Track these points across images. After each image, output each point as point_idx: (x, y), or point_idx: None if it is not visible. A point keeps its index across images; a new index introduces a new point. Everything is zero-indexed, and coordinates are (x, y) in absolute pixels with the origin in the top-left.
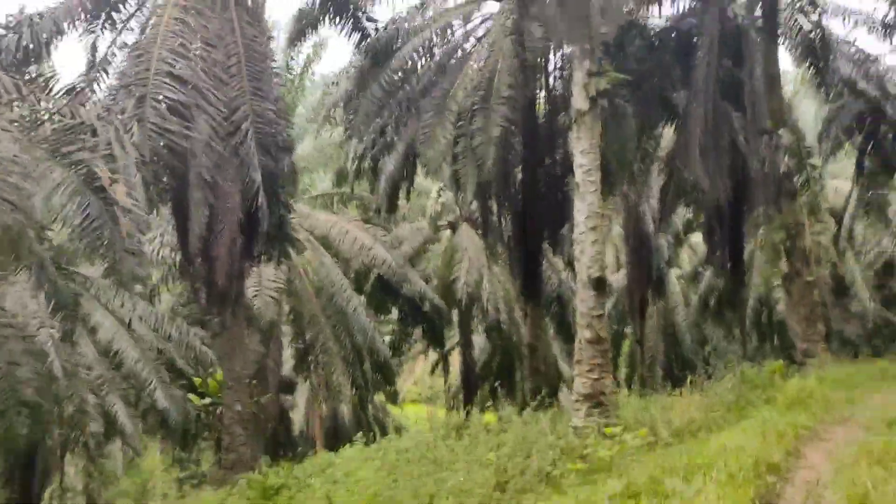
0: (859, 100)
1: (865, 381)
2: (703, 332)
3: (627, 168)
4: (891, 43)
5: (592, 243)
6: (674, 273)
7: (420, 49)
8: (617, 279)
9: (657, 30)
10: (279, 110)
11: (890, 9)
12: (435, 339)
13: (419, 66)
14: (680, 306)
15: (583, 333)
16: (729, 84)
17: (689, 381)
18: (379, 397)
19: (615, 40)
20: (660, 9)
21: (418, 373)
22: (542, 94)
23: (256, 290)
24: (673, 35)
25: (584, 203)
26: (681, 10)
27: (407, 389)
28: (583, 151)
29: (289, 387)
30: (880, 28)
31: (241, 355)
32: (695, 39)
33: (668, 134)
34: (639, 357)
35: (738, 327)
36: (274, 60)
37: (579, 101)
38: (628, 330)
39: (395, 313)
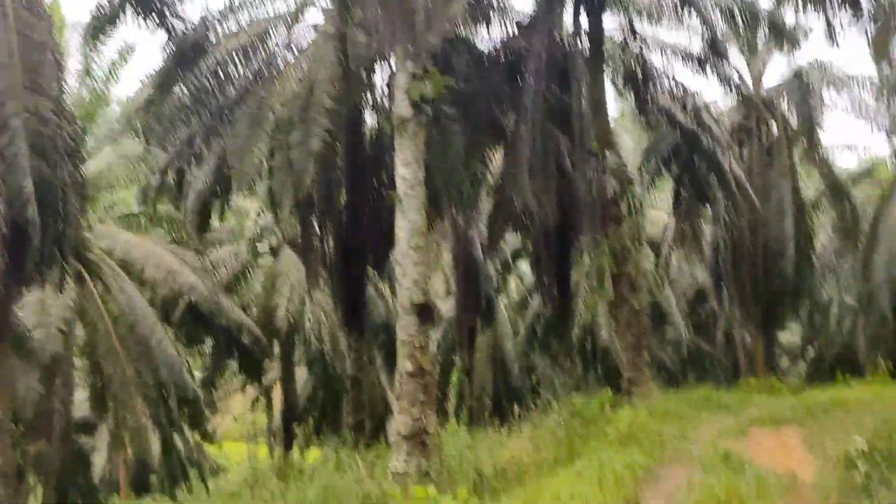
0: (676, 130)
1: (692, 411)
2: (530, 361)
3: (455, 190)
4: (704, 74)
5: (415, 265)
6: (503, 301)
7: (235, 54)
8: (447, 308)
9: (487, 51)
10: (62, 110)
11: (703, 44)
12: (252, 372)
13: (234, 73)
14: (508, 335)
15: (403, 365)
16: (557, 108)
17: (517, 415)
18: (196, 436)
19: (443, 57)
20: (488, 29)
21: (239, 409)
22: (370, 107)
23: (39, 320)
24: (502, 56)
25: (407, 220)
26: (510, 33)
27: (227, 427)
28: (405, 163)
29: (87, 428)
30: (695, 62)
31: (3, 397)
32: (523, 63)
33: (497, 158)
34: (468, 388)
35: (564, 356)
36: (60, 53)
37: (402, 108)
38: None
39: (210, 345)
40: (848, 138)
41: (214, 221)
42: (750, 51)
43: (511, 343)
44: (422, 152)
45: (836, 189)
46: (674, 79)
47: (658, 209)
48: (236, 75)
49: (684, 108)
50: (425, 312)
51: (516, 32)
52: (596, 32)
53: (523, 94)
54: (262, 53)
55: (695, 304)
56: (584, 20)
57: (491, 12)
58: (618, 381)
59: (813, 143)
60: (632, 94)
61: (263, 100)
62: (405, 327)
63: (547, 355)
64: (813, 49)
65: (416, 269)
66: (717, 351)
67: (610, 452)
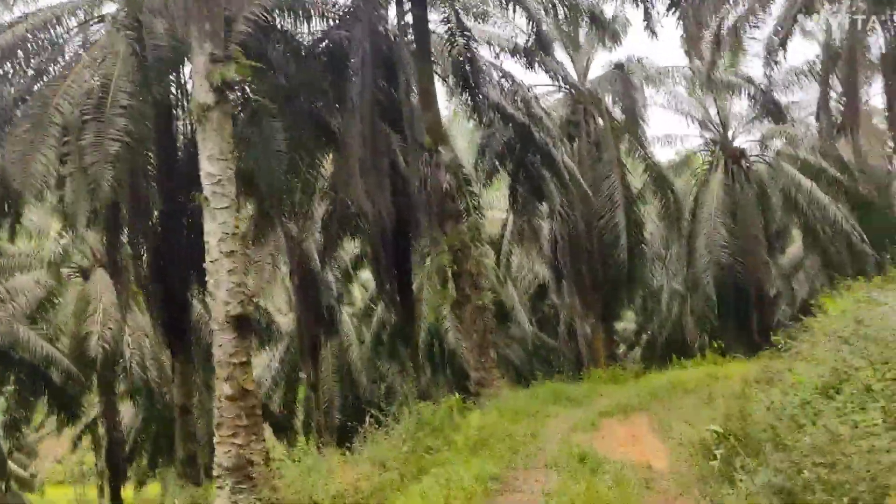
0: (509, 126)
1: (542, 407)
2: (379, 370)
3: (284, 194)
4: (533, 69)
5: (230, 273)
6: (346, 311)
7: (13, 48)
8: (289, 322)
9: (308, 44)
10: None
11: (530, 37)
12: (67, 409)
13: (10, 69)
14: (354, 345)
15: (222, 388)
16: (387, 104)
17: (365, 429)
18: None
19: (257, 49)
20: (308, 22)
21: (63, 450)
22: (182, 106)
23: None
24: (324, 49)
25: (216, 222)
26: (331, 25)
27: (51, 469)
28: (211, 157)
29: None
30: (522, 55)
31: None
32: (348, 57)
33: (329, 160)
34: (314, 403)
35: (412, 361)
36: None
37: (202, 94)
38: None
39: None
40: (667, 130)
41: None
42: (573, 46)
43: (357, 353)
44: (229, 145)
45: (660, 180)
46: (504, 73)
47: (496, 209)
48: (13, 72)
49: (515, 102)
50: (244, 326)
51: (336, 22)
52: (421, 24)
53: (349, 89)
54: (47, 47)
55: (537, 299)
56: (409, 12)
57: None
58: (467, 383)
59: (636, 136)
60: (462, 91)
61: (48, 99)
62: (222, 346)
63: (395, 362)
64: (640, 44)
65: (231, 278)
66: (560, 344)
67: (459, 464)
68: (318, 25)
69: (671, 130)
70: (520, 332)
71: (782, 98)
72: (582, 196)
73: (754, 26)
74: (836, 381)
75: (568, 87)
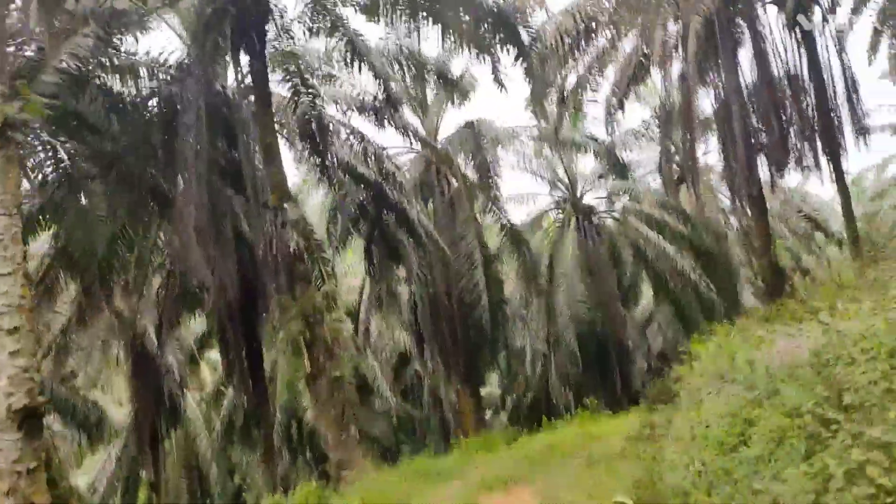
0: (361, 186)
1: (412, 487)
2: (230, 460)
3: (101, 269)
4: (383, 126)
5: (13, 355)
6: (193, 396)
7: None
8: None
9: (134, 100)
10: None
11: (377, 92)
12: None
13: None
14: (203, 434)
15: None
16: (226, 165)
17: None
18: None
19: (72, 109)
20: (136, 83)
21: None
22: None
23: None
24: (155, 108)
25: None
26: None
27: None
28: None
29: None
30: (371, 112)
31: None
32: (182, 115)
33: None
34: None
35: (265, 447)
36: None
37: None
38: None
39: None
40: (518, 189)
41: None
42: (422, 107)
43: (207, 443)
44: (15, 198)
45: (516, 239)
46: (353, 131)
47: (352, 276)
48: None
49: (367, 161)
50: (34, 423)
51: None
52: (260, 77)
53: (183, 149)
54: None
55: (399, 368)
56: (248, 67)
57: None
58: (327, 466)
59: (489, 195)
60: (311, 153)
61: None
62: (3, 449)
63: (250, 450)
64: (489, 104)
65: (15, 361)
66: (427, 413)
67: None
68: (147, 84)
69: (522, 190)
70: (383, 404)
71: (623, 157)
72: (440, 257)
73: (594, 90)
74: (737, 429)
75: (420, 143)
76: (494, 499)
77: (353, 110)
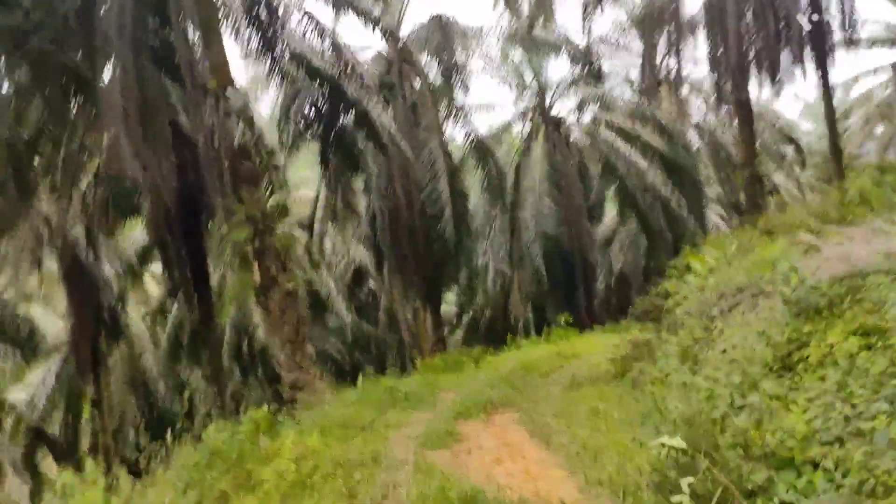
0: (316, 82)
1: (377, 415)
2: (179, 377)
3: (18, 166)
4: (340, 12)
5: None
6: (139, 311)
7: None
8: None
9: None
10: None
11: None
12: None
13: None
14: (148, 351)
15: None
16: (159, 48)
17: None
18: None
19: None
20: None
21: None
22: None
23: None
24: None
25: None
26: None
27: None
28: None
29: None
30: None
31: None
32: None
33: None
34: (99, 423)
35: (211, 365)
36: None
37: None
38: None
39: None
40: (484, 98)
41: None
42: None
43: (153, 359)
44: None
45: (481, 149)
46: (308, 15)
47: (305, 187)
48: None
49: (322, 54)
50: None
51: None
52: None
53: (105, 27)
54: None
55: (354, 285)
56: None
57: None
58: (280, 386)
59: (452, 99)
60: (257, 39)
61: None
62: None
63: (198, 366)
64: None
65: None
66: (383, 332)
67: None
68: None
69: (488, 97)
70: (337, 322)
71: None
72: (402, 166)
73: None
74: (783, 349)
75: (382, 36)
76: (475, 426)
77: None
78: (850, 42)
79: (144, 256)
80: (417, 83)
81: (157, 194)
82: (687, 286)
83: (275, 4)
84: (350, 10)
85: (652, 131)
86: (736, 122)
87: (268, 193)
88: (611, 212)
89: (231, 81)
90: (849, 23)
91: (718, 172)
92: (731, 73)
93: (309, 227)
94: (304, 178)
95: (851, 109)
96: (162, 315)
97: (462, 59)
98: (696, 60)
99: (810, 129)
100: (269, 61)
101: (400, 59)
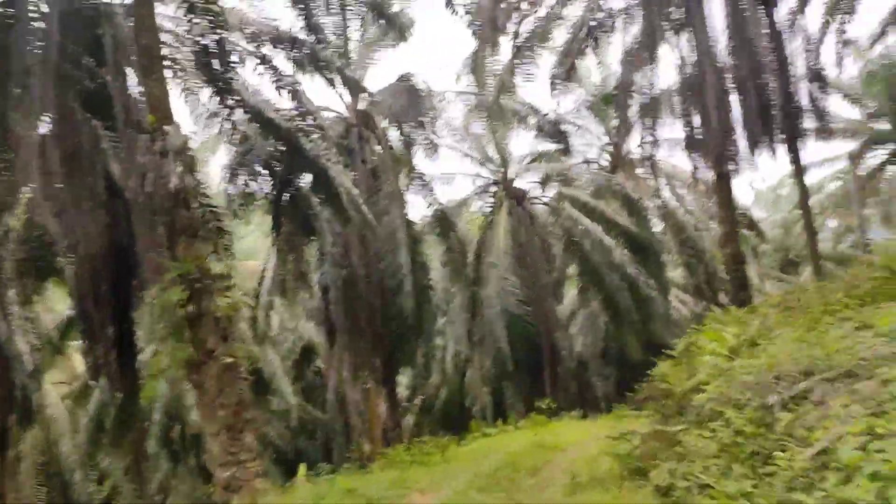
0: (270, 136)
1: None
2: (99, 466)
3: None
4: (303, 69)
5: None
6: (55, 390)
7: None
8: None
9: None
10: None
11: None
12: None
13: None
14: (66, 435)
15: None
16: (89, 84)
17: None
18: None
19: None
20: None
21: None
22: None
23: None
24: None
25: None
26: None
27: None
28: None
29: None
30: (290, 46)
31: None
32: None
33: None
34: None
35: (133, 453)
36: None
37: None
38: None
39: None
40: (445, 168)
41: None
42: (345, 55)
43: (70, 444)
44: None
45: (443, 219)
46: (265, 60)
47: (253, 259)
48: None
49: (277, 110)
50: None
51: None
52: None
53: (21, 59)
54: None
55: (302, 364)
56: None
57: None
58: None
59: (411, 166)
60: (207, 83)
61: None
62: None
63: (120, 454)
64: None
65: None
66: (329, 416)
67: None
68: None
69: (450, 169)
70: (282, 404)
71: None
72: (360, 234)
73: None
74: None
75: (347, 90)
76: None
77: (263, 41)
78: (822, 131)
79: (68, 328)
80: (379, 148)
81: (82, 256)
82: (705, 370)
83: (226, 46)
84: (310, 65)
85: (620, 207)
86: (715, 199)
87: (211, 250)
88: (570, 292)
89: (170, 118)
90: (819, 113)
91: (681, 255)
92: (714, 146)
93: (255, 299)
94: (250, 248)
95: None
96: (84, 395)
97: (428, 125)
98: (659, 140)
99: (762, 217)
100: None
101: (360, 121)
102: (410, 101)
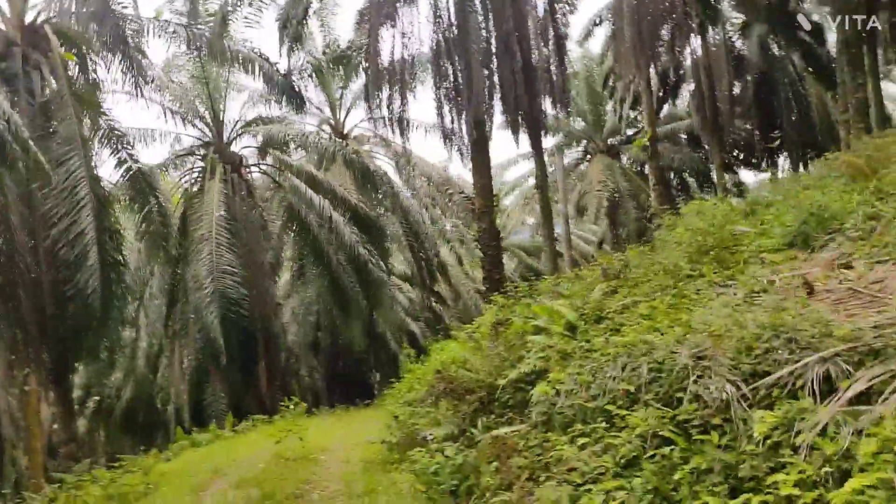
0: None
1: None
2: None
3: None
4: None
5: None
6: None
7: None
8: None
9: None
10: None
11: None
12: None
13: None
14: None
15: None
16: None
17: None
18: None
19: None
20: None
21: None
22: None
23: None
24: None
25: None
26: None
27: None
28: None
29: None
30: None
31: None
32: None
33: None
34: None
35: None
36: None
37: None
38: None
39: None
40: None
41: None
42: None
43: None
44: None
45: (140, 181)
46: None
47: None
48: None
49: None
50: None
51: None
52: None
53: None
54: None
55: None
56: None
57: None
58: None
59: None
60: None
61: None
62: None
63: None
64: None
65: None
66: None
67: None
68: None
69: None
70: None
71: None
72: (22, 185)
73: None
74: None
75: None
76: None
77: None
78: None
79: None
80: (53, 81)
81: None
82: (535, 353)
83: None
84: None
85: (350, 182)
86: (471, 169)
87: None
88: (285, 275)
89: None
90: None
91: (407, 239)
92: (471, 119)
93: None
94: None
95: (513, 190)
96: None
97: (135, 50)
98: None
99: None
100: None
101: (28, 40)
102: (102, 20)
